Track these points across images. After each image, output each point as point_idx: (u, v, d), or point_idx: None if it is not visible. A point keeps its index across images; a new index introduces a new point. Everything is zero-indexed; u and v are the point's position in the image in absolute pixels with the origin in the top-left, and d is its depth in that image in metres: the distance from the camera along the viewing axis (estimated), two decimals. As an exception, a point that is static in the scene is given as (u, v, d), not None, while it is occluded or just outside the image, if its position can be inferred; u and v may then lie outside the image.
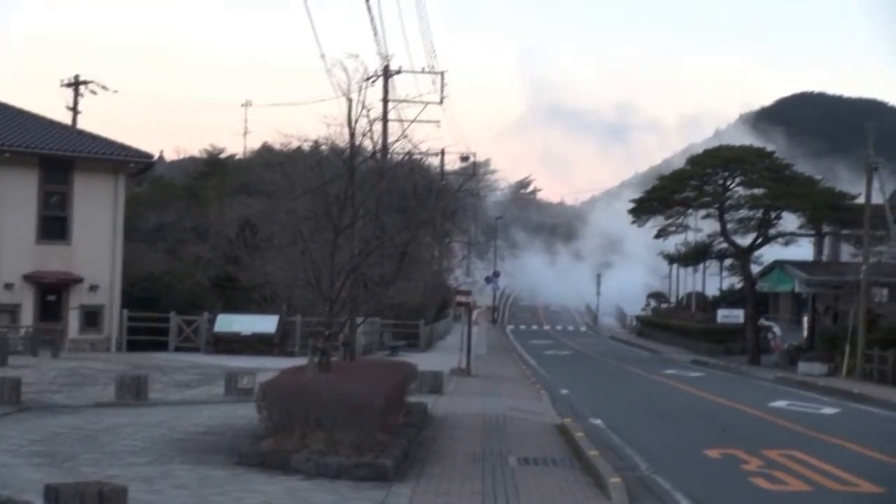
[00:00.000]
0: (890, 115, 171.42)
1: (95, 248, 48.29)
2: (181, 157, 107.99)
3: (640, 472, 19.32)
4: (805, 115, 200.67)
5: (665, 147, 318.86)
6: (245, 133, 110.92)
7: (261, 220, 43.77)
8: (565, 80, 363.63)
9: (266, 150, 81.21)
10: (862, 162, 53.93)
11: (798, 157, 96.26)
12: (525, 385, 41.04)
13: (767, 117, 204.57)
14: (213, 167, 77.97)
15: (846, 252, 68.17)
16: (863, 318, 49.42)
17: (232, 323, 50.65)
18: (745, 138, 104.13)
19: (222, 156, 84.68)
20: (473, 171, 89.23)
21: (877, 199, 53.63)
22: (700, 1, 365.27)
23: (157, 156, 60.38)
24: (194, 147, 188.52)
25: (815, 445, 23.85)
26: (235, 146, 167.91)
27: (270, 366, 34.27)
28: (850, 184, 73.76)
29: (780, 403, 36.18)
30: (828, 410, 34.54)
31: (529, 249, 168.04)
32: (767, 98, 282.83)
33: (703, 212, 68.63)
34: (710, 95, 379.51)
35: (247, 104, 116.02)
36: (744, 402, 35.81)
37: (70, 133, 50.90)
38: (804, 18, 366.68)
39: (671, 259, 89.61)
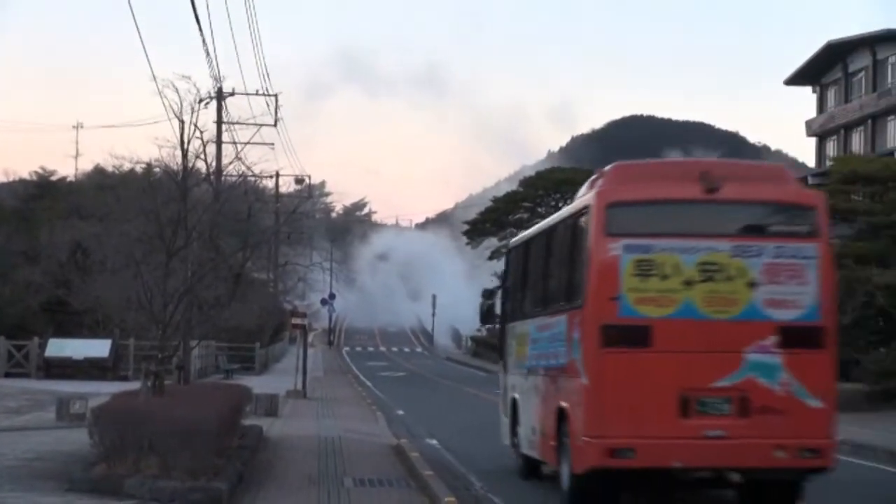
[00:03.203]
0: (716, 138, 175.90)
1: (-80, 273, 47.17)
2: (10, 179, 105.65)
3: (475, 491, 19.51)
4: (634, 138, 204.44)
5: (498, 169, 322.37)
6: (76, 155, 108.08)
7: (93, 244, 43.05)
8: (403, 104, 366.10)
9: (98, 172, 79.80)
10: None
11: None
12: (361, 407, 41.09)
13: (598, 139, 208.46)
14: (43, 190, 76.51)
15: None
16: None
17: (64, 347, 49.83)
18: (577, 160, 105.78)
19: (53, 178, 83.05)
20: (308, 194, 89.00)
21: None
22: (539, 25, 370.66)
23: (-16, 178, 59.15)
24: (24, 169, 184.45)
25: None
26: (67, 168, 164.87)
27: (104, 390, 33.81)
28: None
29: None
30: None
31: (364, 272, 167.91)
32: (598, 121, 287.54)
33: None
34: (541, 118, 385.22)
35: (78, 126, 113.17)
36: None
37: None
38: (637, 43, 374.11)
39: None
